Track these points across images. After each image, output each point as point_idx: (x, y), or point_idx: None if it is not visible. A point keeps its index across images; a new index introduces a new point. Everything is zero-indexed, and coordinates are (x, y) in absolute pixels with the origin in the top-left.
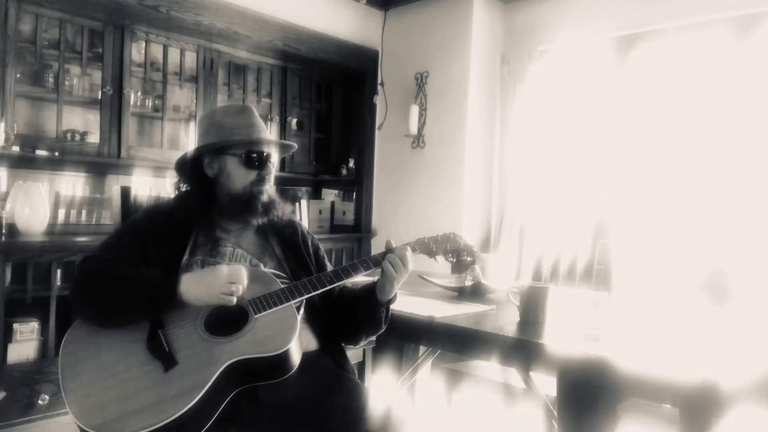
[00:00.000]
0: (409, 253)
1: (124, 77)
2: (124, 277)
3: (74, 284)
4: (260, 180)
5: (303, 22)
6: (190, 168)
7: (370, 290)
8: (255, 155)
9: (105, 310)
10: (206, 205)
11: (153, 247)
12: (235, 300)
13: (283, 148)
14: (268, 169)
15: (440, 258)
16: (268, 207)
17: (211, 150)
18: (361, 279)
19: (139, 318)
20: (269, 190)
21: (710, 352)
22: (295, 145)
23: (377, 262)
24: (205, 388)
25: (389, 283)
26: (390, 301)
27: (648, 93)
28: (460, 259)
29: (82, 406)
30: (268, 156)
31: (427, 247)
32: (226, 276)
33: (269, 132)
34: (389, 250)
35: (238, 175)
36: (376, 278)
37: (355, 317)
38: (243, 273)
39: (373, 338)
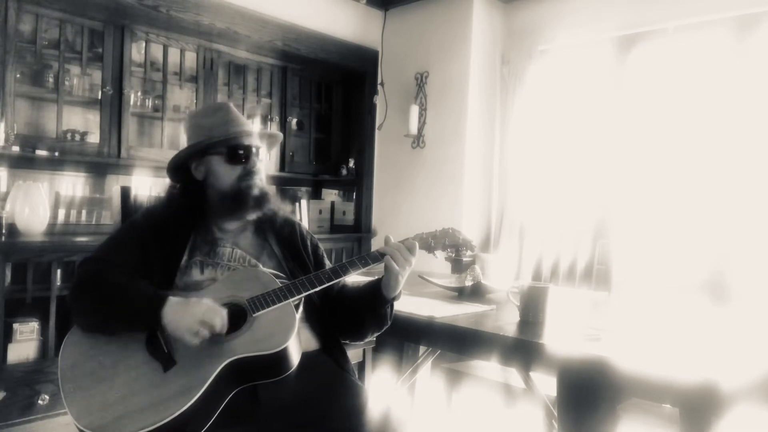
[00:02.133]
0: (414, 243)
1: (124, 77)
2: (115, 291)
3: (72, 288)
4: (247, 174)
5: (303, 22)
6: (180, 174)
7: (375, 287)
8: (237, 150)
9: (95, 320)
10: (198, 210)
11: (152, 249)
12: (197, 342)
13: (270, 139)
14: (252, 162)
15: (439, 253)
16: (260, 200)
17: (195, 153)
18: (359, 278)
19: (126, 332)
20: (259, 183)
21: (710, 352)
22: (280, 134)
23: (376, 258)
24: (203, 387)
25: (394, 278)
26: (395, 298)
27: (648, 93)
28: (459, 253)
29: (82, 407)
30: (251, 149)
31: (426, 243)
32: (201, 314)
33: (269, 129)
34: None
35: (224, 174)
36: (377, 276)
37: (360, 314)
38: (220, 315)
39: (373, 338)
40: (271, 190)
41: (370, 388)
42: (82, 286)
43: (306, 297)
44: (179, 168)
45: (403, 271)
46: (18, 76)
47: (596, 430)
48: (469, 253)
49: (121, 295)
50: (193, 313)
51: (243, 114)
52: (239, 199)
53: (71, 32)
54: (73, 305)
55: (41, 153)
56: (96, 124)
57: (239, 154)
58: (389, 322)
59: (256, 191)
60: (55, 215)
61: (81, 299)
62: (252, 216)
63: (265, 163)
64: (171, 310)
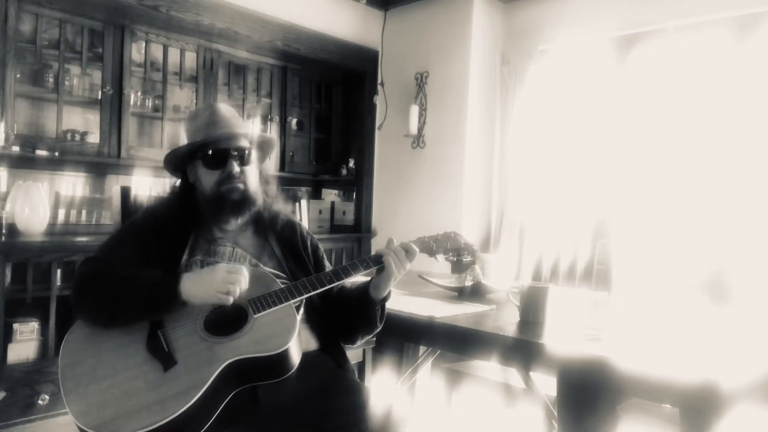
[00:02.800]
0: (413, 247)
1: (124, 77)
2: (124, 278)
3: (75, 285)
4: (226, 179)
5: (303, 22)
6: (178, 175)
7: (364, 289)
8: (213, 154)
9: (106, 310)
10: (192, 212)
11: (153, 248)
12: (231, 299)
13: (264, 143)
14: (230, 166)
15: (440, 257)
16: (239, 205)
17: (184, 157)
18: (360, 278)
19: (140, 318)
20: (241, 187)
21: (710, 352)
22: (270, 136)
23: (377, 260)
24: (204, 387)
25: (385, 281)
26: (384, 299)
27: (648, 93)
28: (461, 257)
29: (82, 406)
30: (229, 152)
31: (428, 246)
32: (225, 275)
33: (269, 131)
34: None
35: (205, 178)
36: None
37: (350, 317)
38: (242, 272)
39: (372, 338)
40: (272, 191)
41: (370, 388)
42: (85, 283)
43: (306, 298)
44: (176, 169)
45: (397, 274)
46: (18, 76)
47: (596, 430)
48: (470, 258)
49: (132, 283)
50: (215, 276)
51: (242, 114)
52: (218, 204)
53: (71, 32)
54: (78, 302)
55: (41, 153)
56: (96, 124)
57: (215, 158)
58: (380, 326)
59: (235, 195)
60: (55, 215)
61: (87, 295)
62: (235, 222)
63: (256, 165)
64: (189, 283)
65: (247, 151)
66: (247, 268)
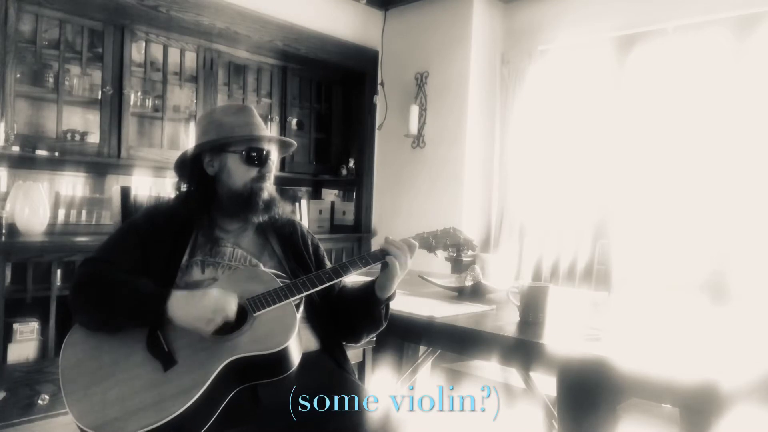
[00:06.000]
0: (413, 243)
1: (124, 77)
2: (118, 286)
3: (72, 287)
4: (261, 177)
5: (303, 22)
6: (189, 166)
7: (369, 288)
8: (256, 152)
9: (98, 316)
10: (206, 204)
11: (153, 248)
12: (211, 331)
13: (283, 147)
14: (268, 167)
15: (440, 252)
16: (269, 204)
17: (212, 148)
18: (359, 278)
19: (129, 327)
20: (269, 187)
21: (710, 352)
22: (295, 144)
23: (376, 257)
24: (204, 386)
25: (390, 279)
26: (390, 298)
27: (648, 93)
28: (460, 253)
29: (82, 406)
30: (269, 154)
31: (427, 242)
32: (213, 305)
33: (269, 131)
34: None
35: (238, 173)
36: (373, 277)
37: (354, 316)
38: (230, 305)
39: (373, 337)
40: (276, 192)
41: (370, 388)
42: (82, 285)
43: (307, 297)
44: (191, 161)
45: (402, 272)
46: (18, 76)
47: (596, 430)
48: (469, 252)
49: (122, 292)
50: (203, 303)
51: None
52: (249, 200)
53: (71, 32)
54: (73, 304)
55: (41, 153)
56: (96, 124)
57: (258, 157)
58: (384, 324)
59: (266, 195)
60: (55, 215)
61: (81, 298)
62: (258, 219)
63: (275, 171)
64: (177, 303)
65: (275, 155)
66: (236, 299)
